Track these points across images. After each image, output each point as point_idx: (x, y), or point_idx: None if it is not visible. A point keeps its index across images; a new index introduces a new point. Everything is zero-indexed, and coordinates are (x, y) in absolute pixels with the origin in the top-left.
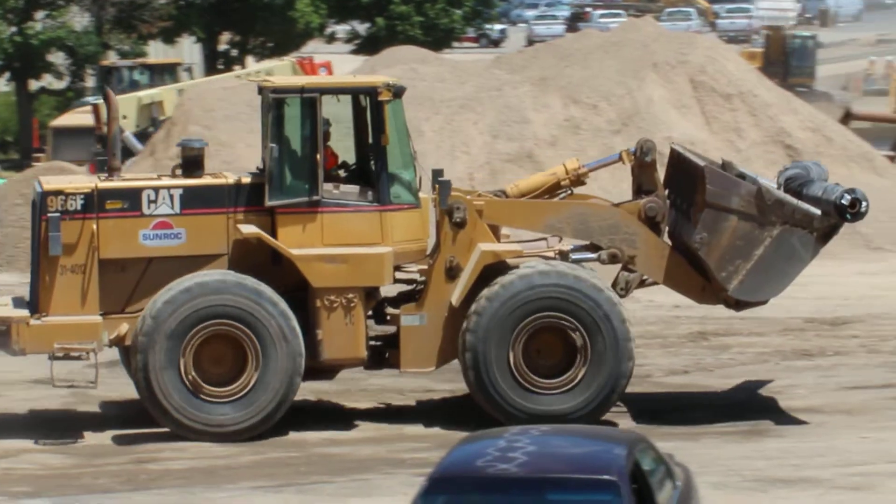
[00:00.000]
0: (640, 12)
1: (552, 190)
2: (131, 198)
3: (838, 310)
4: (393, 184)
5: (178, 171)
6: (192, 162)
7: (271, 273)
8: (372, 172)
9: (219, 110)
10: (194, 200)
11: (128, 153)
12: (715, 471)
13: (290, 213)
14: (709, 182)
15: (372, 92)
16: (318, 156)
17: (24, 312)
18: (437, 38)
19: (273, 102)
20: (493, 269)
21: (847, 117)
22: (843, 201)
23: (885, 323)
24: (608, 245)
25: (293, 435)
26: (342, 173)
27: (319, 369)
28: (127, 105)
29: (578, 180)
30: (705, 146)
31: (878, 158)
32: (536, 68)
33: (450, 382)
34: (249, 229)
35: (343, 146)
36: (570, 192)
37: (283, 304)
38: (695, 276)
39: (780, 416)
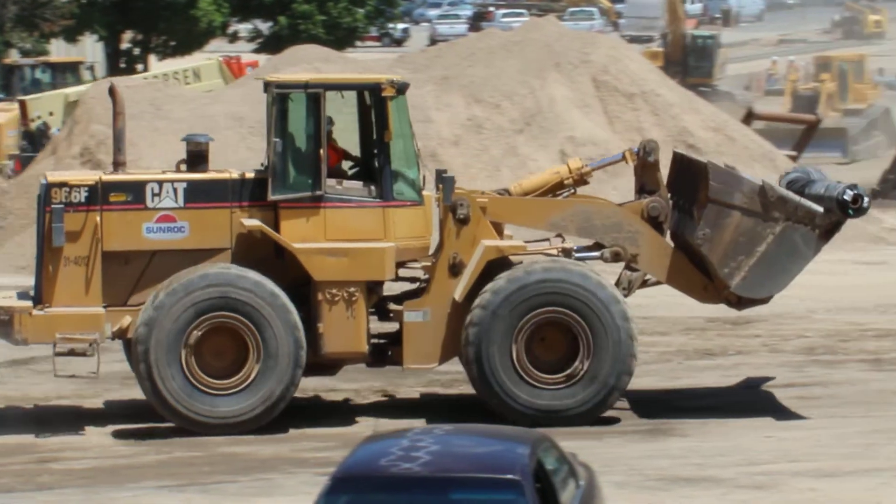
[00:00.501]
0: (543, 12)
1: (555, 189)
2: (135, 191)
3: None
4: (396, 180)
5: (183, 166)
6: (196, 156)
7: (274, 267)
8: (375, 169)
9: None
10: (198, 194)
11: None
12: (618, 470)
13: (293, 208)
14: (712, 178)
15: (375, 88)
16: (322, 151)
17: (27, 303)
18: (340, 37)
19: (277, 97)
20: (496, 266)
21: (749, 117)
22: (846, 197)
23: (786, 322)
24: (611, 243)
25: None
26: (347, 170)
27: (321, 364)
28: (53, 102)
29: (582, 179)
30: (608, 146)
31: (780, 158)
32: (439, 67)
33: (352, 382)
34: (252, 222)
35: (352, 142)
36: (573, 191)
37: (285, 298)
38: (697, 274)
39: (684, 416)
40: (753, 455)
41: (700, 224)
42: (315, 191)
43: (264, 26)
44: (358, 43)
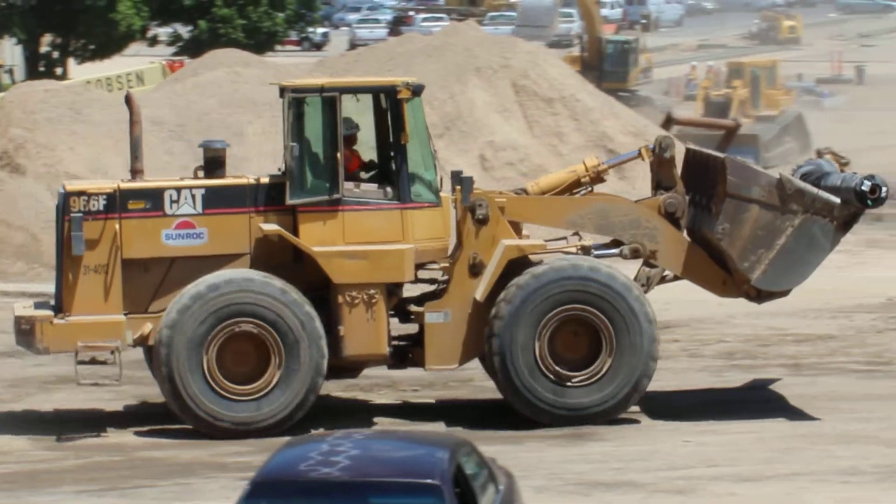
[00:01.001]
0: (463, 16)
1: (572, 187)
2: (153, 198)
3: (661, 314)
4: (413, 182)
5: (200, 173)
6: (213, 162)
7: (293, 272)
8: (392, 171)
9: (40, 113)
10: (216, 200)
11: None
12: (537, 474)
13: (312, 212)
14: (730, 173)
15: (391, 91)
16: (339, 154)
17: (48, 312)
18: (260, 42)
19: (293, 102)
20: (517, 265)
21: (668, 122)
22: (864, 187)
23: (706, 327)
24: (630, 240)
25: (116, 438)
26: (365, 174)
27: (343, 367)
28: None
29: (598, 177)
30: (527, 150)
31: None
32: (359, 72)
33: None
34: (270, 227)
35: (367, 146)
36: (590, 189)
37: (309, 306)
38: (716, 269)
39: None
40: (673, 459)
41: (719, 219)
42: (333, 194)
43: (184, 30)
44: (278, 47)
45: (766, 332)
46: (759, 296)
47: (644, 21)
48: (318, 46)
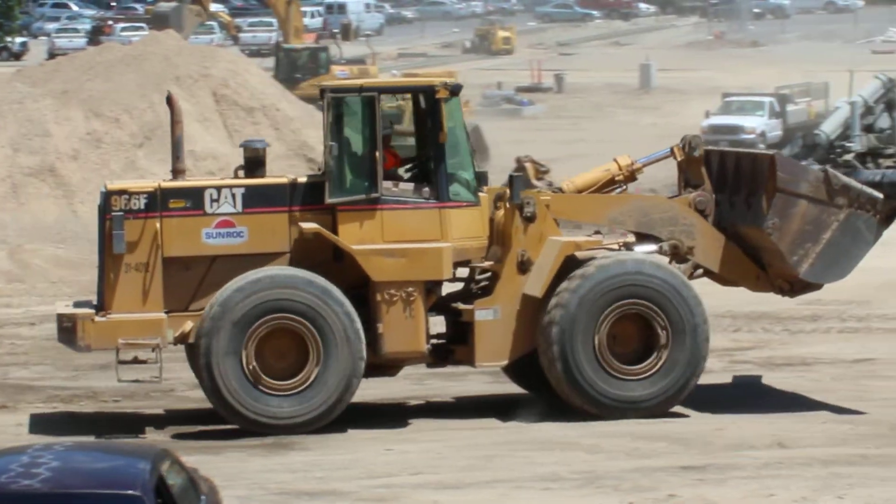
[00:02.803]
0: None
1: (607, 185)
2: (194, 197)
3: None
4: (452, 181)
5: (241, 172)
6: (253, 162)
7: (332, 270)
8: (431, 170)
9: None
10: (256, 199)
11: None
12: (240, 484)
13: (351, 211)
14: (780, 169)
15: (429, 90)
16: (378, 153)
17: (90, 310)
18: None
19: (332, 102)
20: (571, 262)
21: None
22: None
23: None
24: (668, 237)
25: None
26: (404, 173)
27: (381, 365)
28: None
29: (632, 175)
30: (228, 160)
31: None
32: (58, 81)
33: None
34: (310, 226)
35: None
36: (624, 187)
37: (349, 306)
38: (750, 264)
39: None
40: (374, 468)
41: (769, 214)
42: (371, 193)
43: None
44: None
45: None
46: (793, 290)
47: (339, 30)
48: (16, 56)
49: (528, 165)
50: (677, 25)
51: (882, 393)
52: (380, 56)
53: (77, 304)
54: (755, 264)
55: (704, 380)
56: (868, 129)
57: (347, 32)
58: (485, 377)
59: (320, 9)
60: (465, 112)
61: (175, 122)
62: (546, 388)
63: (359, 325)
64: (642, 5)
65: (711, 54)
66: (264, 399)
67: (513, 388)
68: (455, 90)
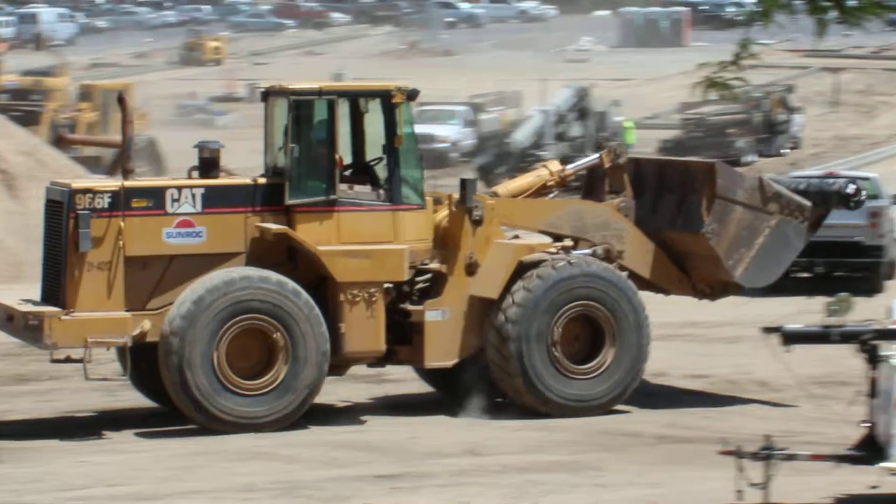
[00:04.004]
0: None
1: (540, 191)
2: (156, 196)
3: None
4: (403, 185)
5: (195, 173)
6: (208, 163)
7: (287, 270)
8: (373, 173)
9: None
10: (215, 199)
11: None
12: None
13: (308, 212)
14: (719, 176)
15: (386, 95)
16: (336, 156)
17: (57, 308)
18: None
19: (293, 104)
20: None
21: (61, 141)
22: (849, 190)
23: None
24: (601, 241)
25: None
26: (347, 174)
27: (335, 364)
28: None
29: (563, 181)
30: None
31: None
32: None
33: None
34: (277, 227)
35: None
36: (555, 192)
37: (306, 295)
38: (673, 268)
39: (8, 440)
40: (68, 480)
41: (708, 219)
42: (329, 195)
43: None
44: None
45: None
46: (713, 294)
47: (30, 40)
48: None
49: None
50: (371, 35)
51: None
52: (71, 66)
53: (22, 302)
54: (677, 269)
55: (404, 388)
56: (560, 137)
57: (39, 42)
58: None
59: (13, 18)
60: (142, 123)
61: (126, 122)
62: (451, 389)
63: (324, 326)
64: (336, 15)
65: (405, 63)
66: (233, 399)
67: None
68: (412, 95)
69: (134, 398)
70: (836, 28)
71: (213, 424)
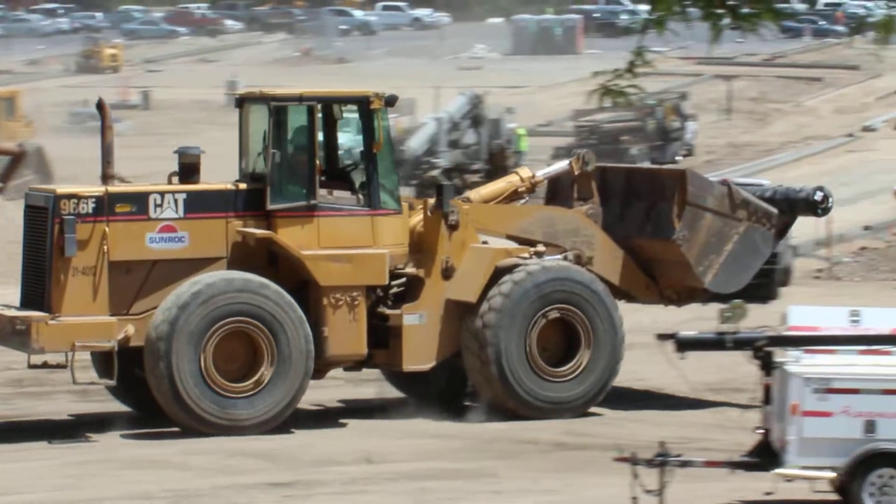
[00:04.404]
0: None
1: (511, 197)
2: (139, 202)
3: None
4: (381, 190)
5: (174, 178)
6: (188, 168)
7: (268, 274)
8: (348, 179)
9: None
10: (197, 205)
11: None
12: None
13: (289, 217)
14: (690, 183)
15: (364, 101)
16: (317, 161)
17: (43, 313)
18: None
19: (274, 110)
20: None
21: None
22: (817, 197)
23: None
24: (571, 247)
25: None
26: (323, 179)
27: (316, 368)
28: None
29: (533, 187)
30: None
31: None
32: None
33: None
34: (262, 232)
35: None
36: (526, 199)
37: (288, 296)
38: (641, 274)
39: None
40: None
41: (679, 226)
42: (309, 200)
43: None
44: None
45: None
46: (680, 300)
47: None
48: None
49: (117, 181)
50: (264, 42)
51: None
52: None
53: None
54: (644, 275)
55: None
56: (454, 144)
57: None
58: (72, 395)
59: None
60: (29, 131)
61: (105, 127)
62: (418, 392)
63: (308, 328)
64: (229, 22)
65: (299, 70)
66: (220, 401)
67: (104, 407)
68: (390, 101)
69: (27, 406)
70: (730, 35)
71: (199, 427)
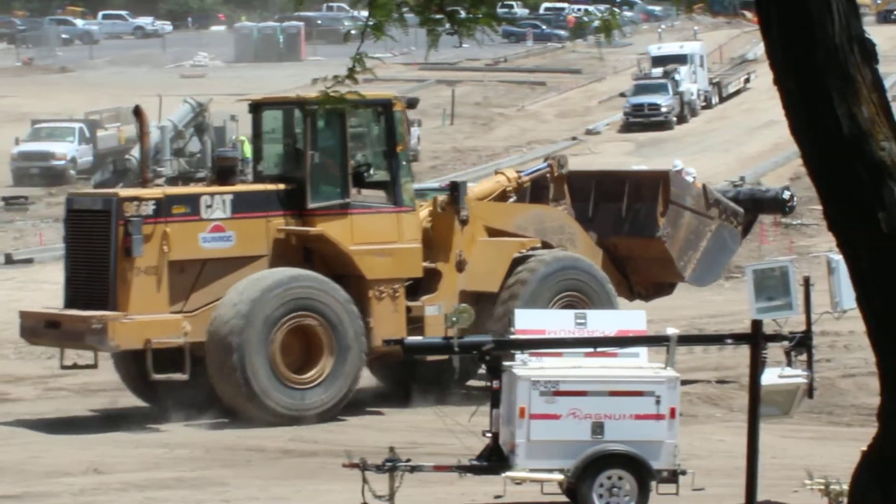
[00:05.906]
0: None
1: (500, 196)
2: (192, 203)
3: None
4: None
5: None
6: (226, 171)
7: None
8: (362, 179)
9: None
10: (242, 205)
11: None
12: None
13: (325, 215)
14: (673, 184)
15: (388, 104)
16: (349, 162)
17: (117, 312)
18: None
19: (309, 114)
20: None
21: None
22: (784, 196)
23: None
24: (558, 243)
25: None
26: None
27: None
28: None
29: (520, 187)
30: None
31: None
32: None
33: None
34: (315, 230)
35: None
36: (513, 198)
37: (344, 292)
38: (614, 270)
39: None
40: None
41: (663, 224)
42: (344, 198)
43: None
44: None
45: None
46: (648, 295)
47: None
48: None
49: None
50: None
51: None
52: None
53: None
54: (617, 272)
55: (18, 408)
56: (179, 152)
57: None
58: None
59: None
60: None
61: (143, 133)
62: (402, 384)
63: (361, 321)
64: None
65: (20, 80)
66: (289, 392)
67: None
68: (411, 103)
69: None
70: (450, 40)
71: (268, 418)
